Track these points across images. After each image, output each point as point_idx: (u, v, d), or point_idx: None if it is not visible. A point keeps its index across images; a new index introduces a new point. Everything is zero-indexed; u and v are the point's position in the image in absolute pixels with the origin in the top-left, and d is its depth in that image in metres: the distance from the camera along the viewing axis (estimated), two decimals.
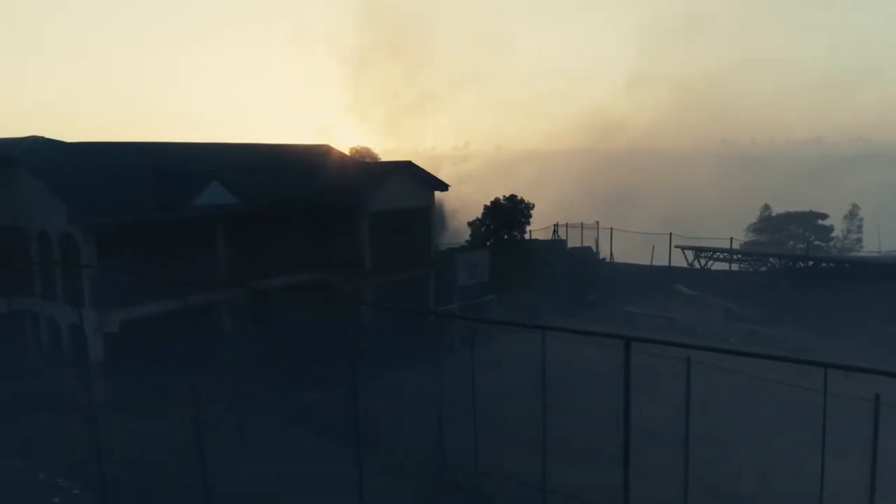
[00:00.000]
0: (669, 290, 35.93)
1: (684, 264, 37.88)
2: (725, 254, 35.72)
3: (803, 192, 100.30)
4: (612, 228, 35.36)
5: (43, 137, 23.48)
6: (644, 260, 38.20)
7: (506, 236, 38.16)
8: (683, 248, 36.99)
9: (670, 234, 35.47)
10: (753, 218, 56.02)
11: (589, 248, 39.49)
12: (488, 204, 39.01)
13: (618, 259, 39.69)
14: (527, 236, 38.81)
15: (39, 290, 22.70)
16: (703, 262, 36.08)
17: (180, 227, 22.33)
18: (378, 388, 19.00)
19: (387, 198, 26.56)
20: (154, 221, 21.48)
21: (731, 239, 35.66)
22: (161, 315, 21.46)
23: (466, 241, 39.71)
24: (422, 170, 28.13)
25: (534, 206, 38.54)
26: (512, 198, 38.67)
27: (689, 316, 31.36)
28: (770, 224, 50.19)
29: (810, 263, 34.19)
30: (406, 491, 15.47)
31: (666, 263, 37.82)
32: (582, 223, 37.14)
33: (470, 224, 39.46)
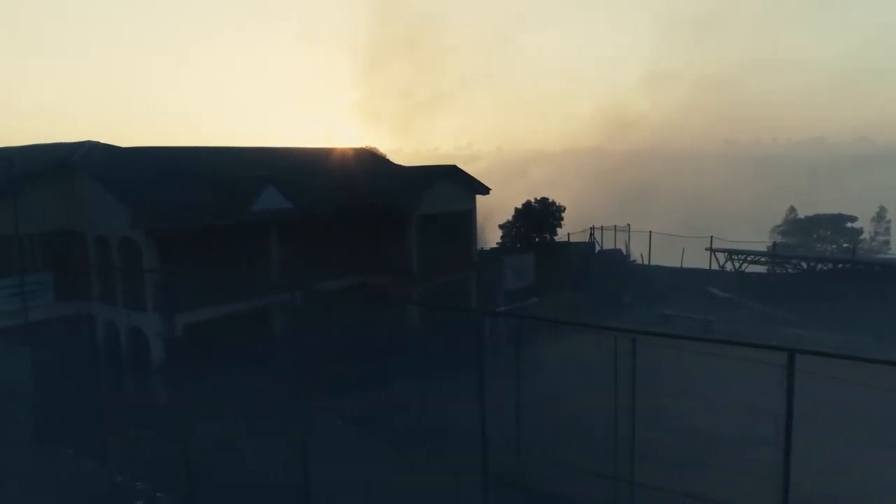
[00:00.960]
0: (702, 293, 36.13)
1: (710, 266, 38.06)
2: (762, 256, 35.87)
3: (814, 192, 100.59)
4: (650, 232, 35.55)
5: (98, 142, 23.69)
6: (668, 261, 38.42)
7: (536, 239, 38.37)
8: (715, 251, 37.15)
9: (711, 237, 35.70)
10: (773, 219, 56.18)
11: (619, 250, 39.68)
12: (519, 206, 39.25)
13: (642, 260, 39.90)
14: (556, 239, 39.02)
15: (98, 294, 22.88)
16: (738, 264, 36.24)
17: (238, 231, 22.53)
18: (444, 389, 19.22)
19: (433, 201, 26.78)
20: (215, 226, 21.68)
21: (774, 244, 35.85)
22: (220, 318, 21.72)
23: (497, 243, 39.94)
24: (465, 173, 28.34)
25: (564, 208, 38.76)
26: (543, 200, 38.88)
27: (726, 318, 31.54)
28: (796, 226, 50.29)
29: (845, 266, 34.36)
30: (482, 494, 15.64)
31: (694, 265, 38.09)
32: (615, 225, 37.35)
33: (501, 227, 39.67)
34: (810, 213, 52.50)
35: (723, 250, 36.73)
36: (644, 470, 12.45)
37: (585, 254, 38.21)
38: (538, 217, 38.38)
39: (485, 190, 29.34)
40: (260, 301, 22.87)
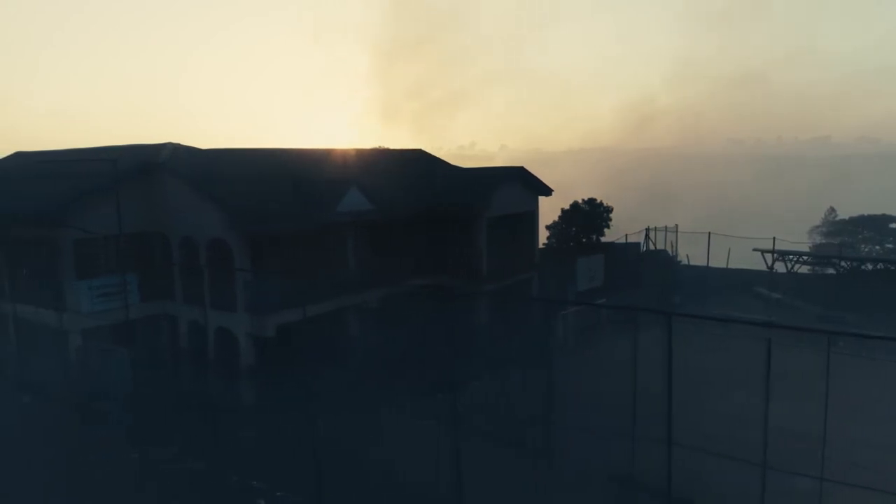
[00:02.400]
0: (749, 293, 36.32)
1: (755, 267, 38.25)
2: (813, 257, 36.04)
3: (827, 192, 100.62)
4: (709, 233, 35.69)
5: (179, 144, 23.88)
6: (697, 261, 38.55)
7: (584, 239, 38.54)
8: (763, 252, 37.32)
9: (775, 239, 35.73)
10: (801, 219, 56.25)
11: (665, 250, 39.84)
12: (566, 207, 39.43)
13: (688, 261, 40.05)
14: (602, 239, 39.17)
15: (181, 295, 23.06)
16: (790, 265, 36.39)
17: (322, 232, 22.72)
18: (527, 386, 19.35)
19: (500, 203, 26.98)
20: (304, 227, 21.88)
21: (816, 245, 35.92)
22: (308, 319, 21.90)
23: (543, 244, 40.09)
24: (531, 175, 28.53)
25: (612, 209, 38.95)
26: (590, 201, 39.07)
27: (782, 320, 31.62)
28: (837, 227, 50.32)
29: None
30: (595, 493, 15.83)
31: (740, 266, 38.31)
32: (666, 226, 37.51)
33: (549, 227, 39.84)
34: (838, 212, 52.70)
35: (772, 251, 36.88)
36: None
37: (632, 255, 38.39)
38: (585, 218, 38.56)
39: (547, 191, 29.54)
40: (340, 301, 23.08)
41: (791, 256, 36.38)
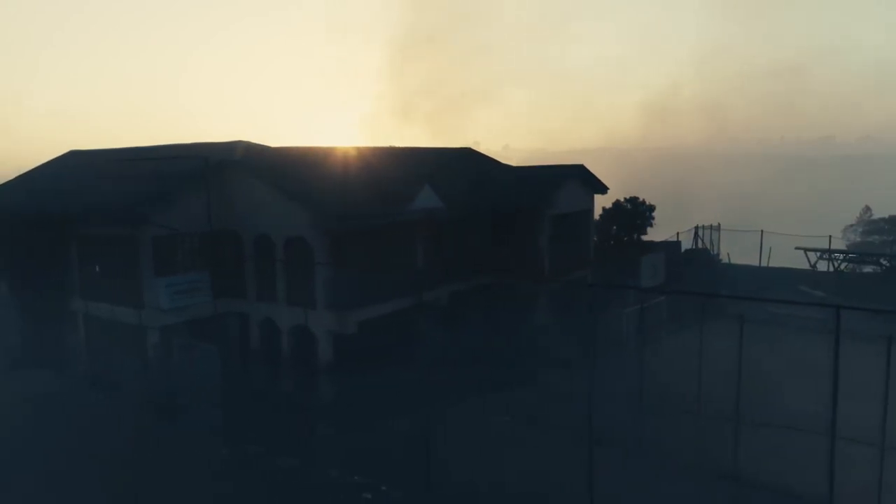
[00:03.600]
0: (794, 291, 36.35)
1: (797, 265, 38.29)
2: (859, 255, 36.13)
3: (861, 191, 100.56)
4: (762, 231, 35.79)
5: (250, 142, 23.98)
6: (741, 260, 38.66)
7: (625, 238, 38.56)
8: (806, 250, 37.40)
9: (829, 237, 35.74)
10: (828, 217, 56.28)
11: (706, 249, 39.91)
12: (608, 206, 39.44)
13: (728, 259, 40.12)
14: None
15: (254, 292, 23.10)
16: (836, 263, 36.49)
17: (395, 229, 22.82)
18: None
19: (562, 201, 27.10)
20: (383, 224, 21.97)
21: (850, 243, 35.97)
22: (383, 316, 22.04)
23: None
24: (590, 173, 28.65)
25: (654, 207, 38.97)
26: (633, 199, 39.08)
27: (831, 317, 31.61)
28: (873, 226, 50.40)
29: None
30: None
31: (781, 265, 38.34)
32: (716, 225, 37.58)
33: None
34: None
35: (815, 249, 36.98)
36: None
37: (673, 254, 38.42)
38: (628, 217, 38.57)
39: (603, 189, 29.66)
40: (414, 299, 23.16)
41: (837, 255, 36.45)
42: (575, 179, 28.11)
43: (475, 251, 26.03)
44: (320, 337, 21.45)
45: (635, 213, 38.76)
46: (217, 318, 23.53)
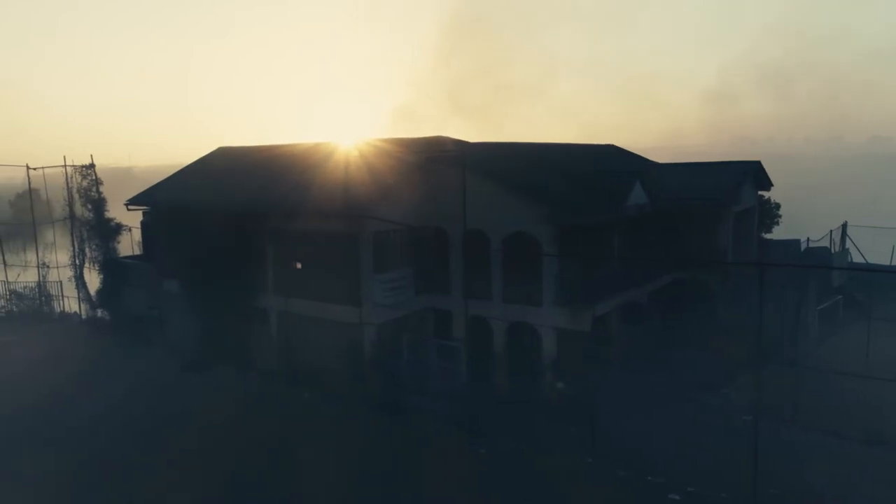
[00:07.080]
0: None
1: None
2: None
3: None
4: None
5: (452, 138, 23.58)
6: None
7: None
8: None
9: None
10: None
11: (826, 248, 39.41)
12: None
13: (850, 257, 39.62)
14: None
15: (458, 288, 22.54)
16: None
17: (610, 226, 22.43)
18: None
19: (743, 197, 26.81)
20: (605, 220, 21.58)
21: None
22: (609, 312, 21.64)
23: None
24: (763, 169, 28.31)
25: (780, 205, 38.53)
26: (758, 197, 38.64)
27: None
28: None
29: None
30: None
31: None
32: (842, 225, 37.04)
33: None
34: None
35: None
36: None
37: (793, 254, 37.94)
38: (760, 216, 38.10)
39: (768, 185, 29.31)
40: (636, 293, 22.71)
41: None
42: (749, 176, 27.77)
43: (661, 248, 25.60)
44: (544, 334, 20.98)
45: (761, 211, 38.34)
46: (417, 315, 23.13)
